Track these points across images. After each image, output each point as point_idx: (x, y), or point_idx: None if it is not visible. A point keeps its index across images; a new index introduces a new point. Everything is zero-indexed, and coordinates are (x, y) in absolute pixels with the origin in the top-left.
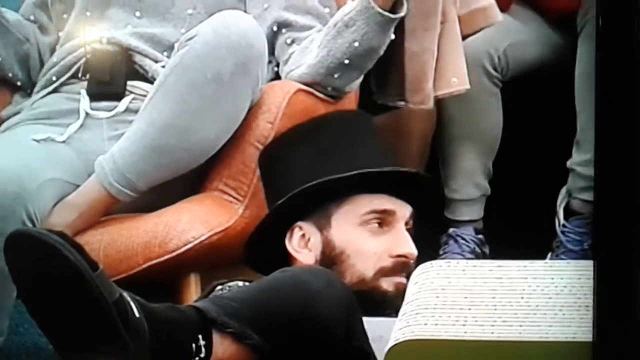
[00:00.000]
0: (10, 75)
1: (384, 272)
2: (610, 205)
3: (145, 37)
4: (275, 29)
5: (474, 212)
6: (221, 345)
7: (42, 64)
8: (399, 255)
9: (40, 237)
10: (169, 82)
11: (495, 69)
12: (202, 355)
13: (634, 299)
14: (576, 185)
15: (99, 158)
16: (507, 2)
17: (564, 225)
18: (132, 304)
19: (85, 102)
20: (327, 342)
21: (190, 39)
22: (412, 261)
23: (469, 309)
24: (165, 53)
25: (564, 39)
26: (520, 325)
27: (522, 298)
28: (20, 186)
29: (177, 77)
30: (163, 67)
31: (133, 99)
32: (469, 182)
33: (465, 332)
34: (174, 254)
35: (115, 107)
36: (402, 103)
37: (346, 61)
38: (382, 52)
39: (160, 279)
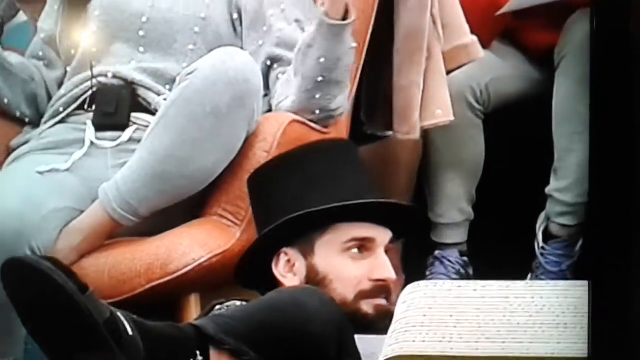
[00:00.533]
0: (18, 114)
1: (363, 295)
2: (604, 225)
3: (149, 72)
4: (268, 63)
5: (459, 235)
6: None
7: (49, 98)
8: (378, 279)
9: (32, 263)
10: (170, 114)
11: (477, 102)
12: None
13: (628, 317)
14: (554, 210)
15: (103, 185)
16: (489, 39)
17: (543, 248)
18: (125, 322)
19: (91, 132)
20: (321, 359)
21: (191, 73)
22: (391, 284)
23: (455, 327)
24: (167, 86)
25: (541, 74)
26: (503, 342)
27: (505, 316)
28: (22, 222)
29: (178, 110)
30: (165, 99)
31: (136, 129)
32: (454, 208)
33: (452, 349)
34: (175, 275)
35: (120, 137)
36: (391, 133)
37: (319, 79)
38: (349, 61)
39: (162, 299)
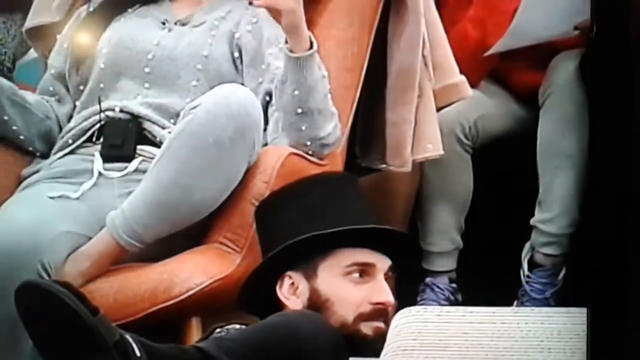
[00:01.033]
0: (31, 149)
1: (363, 317)
2: (601, 254)
3: (154, 106)
4: (267, 99)
5: (448, 263)
6: None
7: (61, 131)
8: (377, 303)
9: (46, 287)
10: (174, 146)
11: (466, 137)
12: None
13: (625, 343)
14: (538, 241)
15: (110, 213)
16: (477, 79)
17: (528, 276)
18: (133, 344)
19: (98, 163)
20: None
21: (194, 107)
22: (389, 308)
23: (444, 350)
24: (171, 120)
25: (526, 112)
26: None
27: (492, 341)
28: (35, 239)
29: (182, 142)
30: (169, 132)
31: (142, 160)
32: (444, 237)
33: None
34: (178, 299)
35: (126, 167)
36: (384, 166)
37: (299, 110)
38: (323, 89)
39: (165, 322)
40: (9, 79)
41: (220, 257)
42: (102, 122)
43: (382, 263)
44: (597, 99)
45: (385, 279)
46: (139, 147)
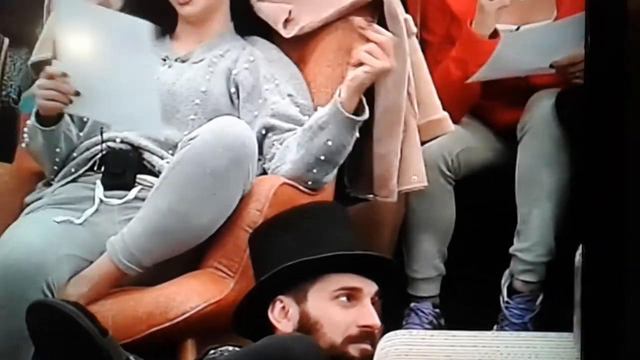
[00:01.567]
0: (53, 175)
1: (351, 340)
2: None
3: (153, 138)
4: (263, 132)
5: (432, 289)
6: None
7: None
8: (364, 326)
9: (58, 306)
10: (172, 175)
11: (449, 170)
12: None
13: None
14: (517, 268)
15: (111, 238)
16: (459, 115)
17: (507, 302)
18: None
19: (100, 191)
20: None
21: (192, 139)
22: (376, 331)
23: None
24: (170, 151)
25: (505, 146)
26: None
27: None
28: (41, 260)
29: (180, 171)
30: (168, 162)
31: (141, 189)
32: (428, 264)
33: None
34: (174, 321)
35: (126, 195)
36: (371, 196)
37: (322, 157)
38: (350, 148)
39: (162, 343)
40: (14, 110)
41: (215, 281)
42: (104, 152)
43: (369, 288)
44: (590, 124)
45: (372, 303)
46: (138, 176)
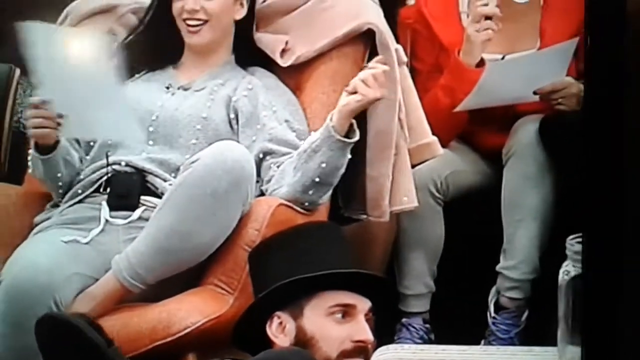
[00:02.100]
0: (59, 198)
1: (345, 354)
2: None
3: (157, 161)
4: (261, 156)
5: (422, 305)
6: None
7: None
8: (358, 341)
9: (65, 319)
10: (174, 196)
11: (438, 192)
12: None
13: None
14: (503, 286)
15: (115, 257)
16: (447, 139)
17: (494, 318)
18: None
19: (105, 212)
20: None
21: (193, 162)
22: (369, 345)
23: None
24: (172, 174)
25: (492, 169)
26: None
27: None
28: (50, 278)
29: (182, 192)
30: (170, 184)
31: (145, 209)
32: (418, 281)
33: None
34: (176, 336)
35: (130, 216)
36: (364, 216)
37: (317, 179)
38: (343, 170)
39: (164, 357)
40: (24, 135)
41: (215, 298)
42: (109, 175)
43: (363, 304)
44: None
45: (366, 319)
46: (142, 197)
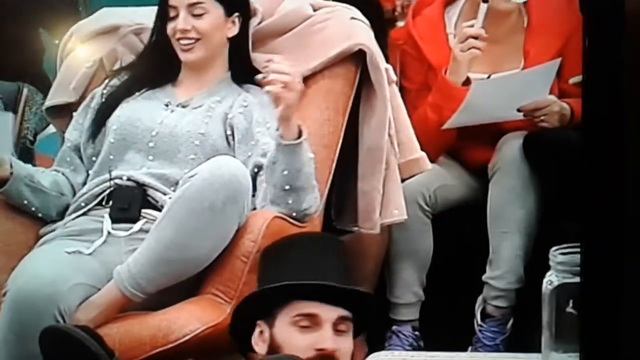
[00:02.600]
0: (47, 219)
1: None
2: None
3: (157, 176)
4: (256, 170)
5: (412, 313)
6: None
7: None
8: (320, 349)
9: (68, 331)
10: (174, 210)
11: (427, 205)
12: None
13: None
14: (489, 295)
15: (117, 267)
16: (436, 155)
17: (480, 325)
18: None
19: (108, 224)
20: None
21: (192, 176)
22: (335, 353)
23: None
24: (172, 188)
25: (478, 183)
26: None
27: None
28: (54, 289)
29: (181, 206)
30: (170, 198)
31: (145, 222)
32: (408, 290)
33: None
34: (175, 343)
35: (132, 228)
36: (356, 228)
37: (287, 187)
38: (307, 169)
39: None
40: (31, 150)
41: (213, 306)
42: (112, 189)
43: (329, 314)
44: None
45: (339, 329)
46: (143, 210)
